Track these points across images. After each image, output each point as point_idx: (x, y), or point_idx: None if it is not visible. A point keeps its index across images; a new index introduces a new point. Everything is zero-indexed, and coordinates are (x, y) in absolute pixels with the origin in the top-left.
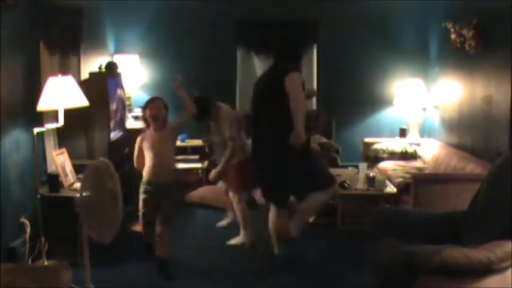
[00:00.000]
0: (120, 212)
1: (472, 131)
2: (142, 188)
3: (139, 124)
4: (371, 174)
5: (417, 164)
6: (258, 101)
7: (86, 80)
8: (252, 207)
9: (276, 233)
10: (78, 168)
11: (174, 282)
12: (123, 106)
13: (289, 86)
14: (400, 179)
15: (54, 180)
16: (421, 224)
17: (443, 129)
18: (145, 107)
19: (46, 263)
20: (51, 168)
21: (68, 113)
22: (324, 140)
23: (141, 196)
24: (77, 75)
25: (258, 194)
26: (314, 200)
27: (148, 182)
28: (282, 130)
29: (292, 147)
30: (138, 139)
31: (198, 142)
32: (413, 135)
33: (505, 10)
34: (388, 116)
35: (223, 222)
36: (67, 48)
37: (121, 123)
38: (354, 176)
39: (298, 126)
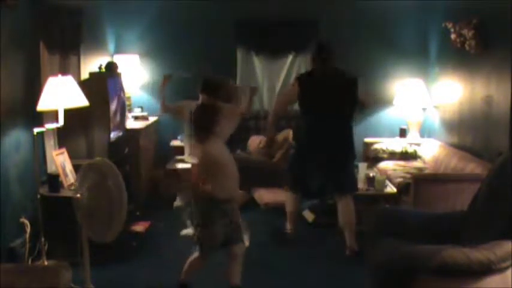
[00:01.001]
0: (124, 211)
1: (472, 131)
2: (216, 210)
3: (139, 124)
4: (371, 174)
5: (417, 164)
6: (328, 99)
7: (86, 80)
8: (252, 207)
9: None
10: (78, 168)
11: (173, 282)
12: (123, 106)
13: (364, 94)
14: (400, 179)
15: (54, 180)
16: (421, 224)
17: (443, 129)
18: (214, 111)
19: (46, 263)
20: (51, 168)
21: (68, 113)
22: None
23: (218, 223)
24: (77, 75)
25: (257, 193)
26: (352, 204)
27: (227, 200)
28: (350, 132)
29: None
30: (207, 156)
31: None
32: (413, 135)
33: (505, 10)
34: (388, 116)
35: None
36: (67, 48)
37: (121, 123)
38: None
39: None
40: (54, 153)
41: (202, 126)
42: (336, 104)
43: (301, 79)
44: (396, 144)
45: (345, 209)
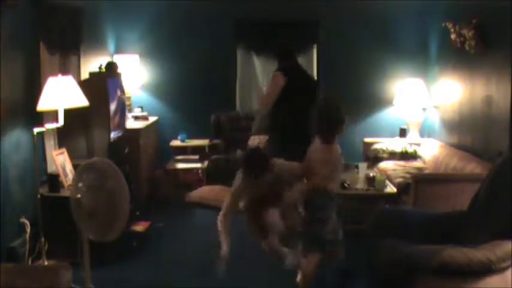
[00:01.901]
0: (127, 211)
1: (472, 131)
2: (334, 204)
3: (139, 124)
4: (371, 174)
5: (417, 164)
6: (305, 97)
7: (86, 80)
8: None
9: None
10: None
11: (173, 282)
12: (123, 106)
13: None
14: (400, 179)
15: (54, 180)
16: (421, 224)
17: (443, 129)
18: (338, 109)
19: (46, 263)
20: (51, 168)
21: (68, 113)
22: None
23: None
24: (77, 75)
25: None
26: None
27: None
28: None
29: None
30: (337, 155)
31: (198, 142)
32: (413, 135)
33: (505, 10)
34: (388, 116)
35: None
36: (67, 48)
37: (121, 123)
38: (354, 176)
39: None
40: (54, 153)
41: (332, 126)
42: (308, 94)
43: (286, 74)
44: (396, 144)
45: None
